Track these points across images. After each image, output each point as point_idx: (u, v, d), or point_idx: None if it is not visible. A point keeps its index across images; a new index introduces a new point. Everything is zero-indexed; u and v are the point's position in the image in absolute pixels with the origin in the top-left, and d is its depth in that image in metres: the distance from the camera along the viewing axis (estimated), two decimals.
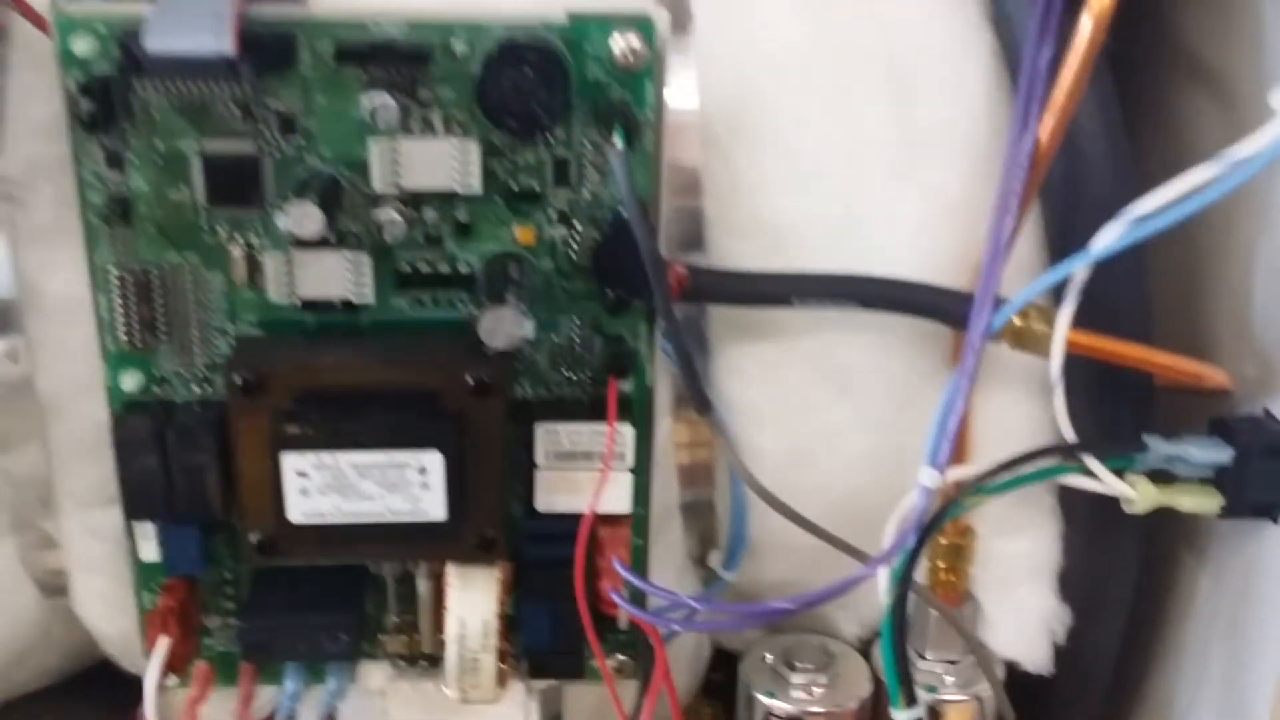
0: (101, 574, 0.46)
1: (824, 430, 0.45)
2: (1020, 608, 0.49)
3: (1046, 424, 0.44)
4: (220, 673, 0.46)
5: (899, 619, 0.42)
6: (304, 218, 0.38)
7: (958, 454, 0.45)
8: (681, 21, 0.43)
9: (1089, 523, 0.47)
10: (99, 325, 0.42)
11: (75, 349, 0.43)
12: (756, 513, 0.46)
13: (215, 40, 0.36)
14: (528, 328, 0.39)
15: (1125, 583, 0.48)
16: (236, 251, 0.41)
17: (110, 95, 0.39)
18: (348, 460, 0.39)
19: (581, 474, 0.43)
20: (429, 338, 0.41)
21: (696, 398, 0.41)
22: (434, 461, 0.39)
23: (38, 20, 0.39)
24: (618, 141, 0.38)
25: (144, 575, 0.44)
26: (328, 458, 0.39)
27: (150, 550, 0.44)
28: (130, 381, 0.42)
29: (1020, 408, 0.46)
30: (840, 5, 0.44)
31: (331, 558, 0.42)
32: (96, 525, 0.45)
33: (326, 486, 0.39)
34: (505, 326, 0.39)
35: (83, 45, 0.38)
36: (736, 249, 0.44)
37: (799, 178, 0.44)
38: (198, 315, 0.42)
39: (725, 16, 0.44)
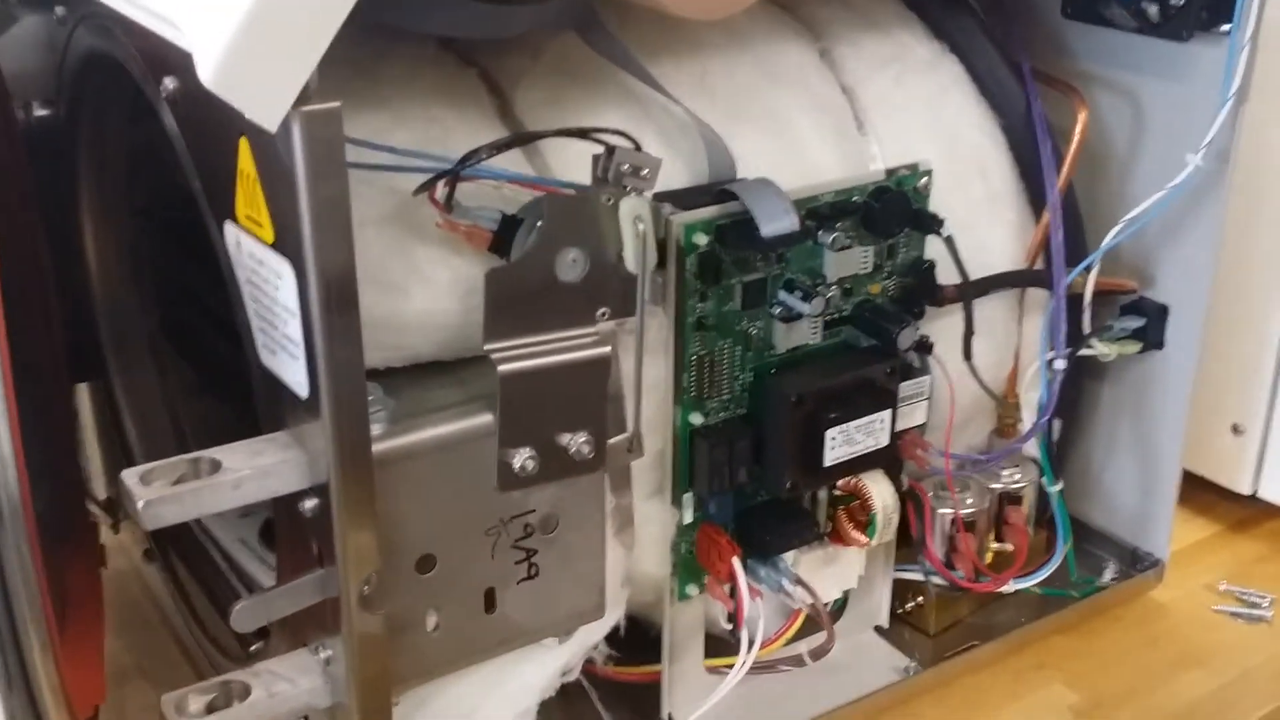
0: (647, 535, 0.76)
1: None
2: None
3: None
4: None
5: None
6: (820, 306, 0.72)
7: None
8: None
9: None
10: (676, 390, 0.72)
11: (651, 409, 0.73)
12: None
13: (792, 223, 0.69)
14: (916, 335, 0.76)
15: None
16: (753, 331, 0.73)
17: (711, 262, 0.70)
18: (854, 425, 0.74)
19: None
20: (855, 353, 0.77)
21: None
22: (886, 417, 0.75)
23: None
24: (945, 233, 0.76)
25: (684, 531, 0.76)
26: (847, 425, 0.74)
27: (689, 515, 0.75)
28: (696, 418, 0.73)
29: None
30: None
31: (833, 480, 0.76)
32: (645, 510, 0.75)
33: (842, 442, 0.74)
34: (911, 335, 0.75)
35: (700, 238, 0.69)
36: None
37: None
38: (728, 371, 0.74)
39: None
